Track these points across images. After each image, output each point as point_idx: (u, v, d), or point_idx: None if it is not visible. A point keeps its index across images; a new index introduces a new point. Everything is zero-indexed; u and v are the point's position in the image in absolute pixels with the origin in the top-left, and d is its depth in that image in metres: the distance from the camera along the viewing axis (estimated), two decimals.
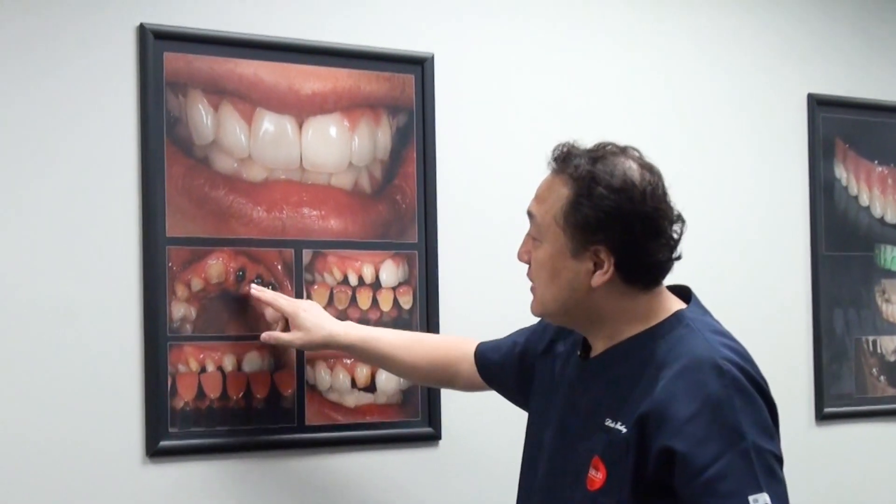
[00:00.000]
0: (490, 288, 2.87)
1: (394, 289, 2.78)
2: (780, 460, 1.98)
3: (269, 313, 2.63)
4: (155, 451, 2.52)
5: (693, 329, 2.06)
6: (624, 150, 2.10)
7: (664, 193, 2.08)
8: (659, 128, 3.16)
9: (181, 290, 2.56)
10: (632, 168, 2.05)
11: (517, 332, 2.46)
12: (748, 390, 1.97)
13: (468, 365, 2.53)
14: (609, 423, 2.04)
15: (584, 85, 3.07)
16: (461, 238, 2.86)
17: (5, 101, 2.43)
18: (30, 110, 2.45)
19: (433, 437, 2.81)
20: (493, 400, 2.79)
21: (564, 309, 2.11)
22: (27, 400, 2.42)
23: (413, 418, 2.79)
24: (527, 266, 2.16)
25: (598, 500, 2.02)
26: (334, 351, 2.64)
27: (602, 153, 2.08)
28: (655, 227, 2.05)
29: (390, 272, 2.77)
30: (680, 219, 2.11)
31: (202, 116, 2.60)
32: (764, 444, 1.94)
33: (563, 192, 2.06)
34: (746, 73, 3.33)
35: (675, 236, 2.09)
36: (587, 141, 2.14)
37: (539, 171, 2.28)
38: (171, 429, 2.54)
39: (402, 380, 2.76)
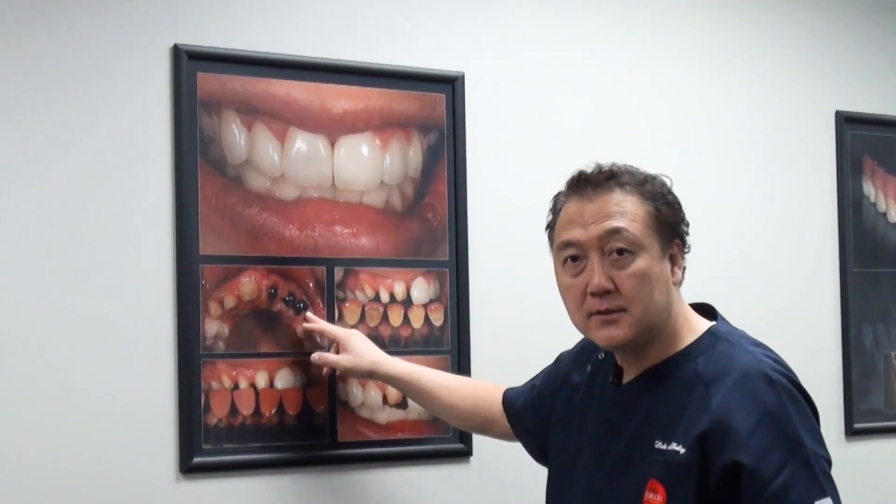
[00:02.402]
0: (521, 304, 2.82)
1: (425, 306, 2.73)
2: (830, 464, 1.96)
3: (300, 330, 2.59)
4: (189, 467, 2.47)
5: (734, 343, 2.03)
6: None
7: None
8: (688, 146, 3.11)
9: (214, 308, 2.52)
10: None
11: (536, 375, 2.43)
12: (798, 398, 1.96)
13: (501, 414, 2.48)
14: (660, 445, 1.99)
15: (613, 103, 3.02)
16: (492, 255, 2.81)
17: (40, 121, 2.40)
18: (65, 130, 2.42)
19: (464, 454, 2.76)
20: None
21: (664, 317, 2.02)
22: (63, 417, 2.38)
23: (444, 434, 2.73)
24: (590, 294, 2.01)
25: None
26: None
27: (632, 169, 2.07)
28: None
29: (422, 289, 2.72)
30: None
31: (235, 136, 2.56)
32: (819, 449, 1.94)
33: (637, 204, 2.01)
34: (775, 92, 3.28)
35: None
36: (618, 158, 2.11)
37: None
38: (204, 445, 2.49)
39: None
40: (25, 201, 2.38)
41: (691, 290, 2.14)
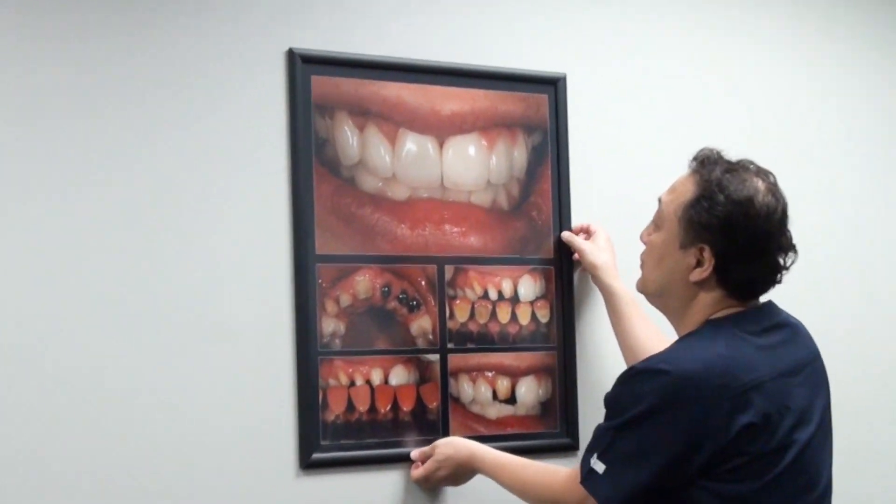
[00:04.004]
0: None
1: (532, 303, 2.71)
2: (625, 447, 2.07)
3: (414, 328, 2.58)
4: (308, 463, 2.46)
5: (685, 340, 2.15)
6: (759, 171, 2.16)
7: (780, 222, 2.14)
8: (793, 142, 3.09)
9: (330, 306, 2.51)
10: (758, 188, 2.12)
11: None
12: (634, 380, 2.09)
13: None
14: None
15: (716, 102, 2.98)
16: None
17: (160, 123, 2.40)
18: (189, 134, 2.42)
19: (571, 448, 2.73)
20: None
21: (661, 292, 2.22)
22: (187, 415, 2.38)
23: (551, 429, 2.71)
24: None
25: None
26: None
27: (737, 167, 2.16)
28: (760, 246, 2.12)
29: (528, 287, 2.71)
30: (793, 249, 2.16)
31: (348, 137, 2.55)
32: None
33: (691, 189, 2.15)
34: (848, 86, 3.24)
35: (782, 263, 2.15)
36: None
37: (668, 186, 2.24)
38: (322, 441, 2.48)
39: (541, 391, 2.69)
40: (145, 203, 2.38)
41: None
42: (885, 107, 3.26)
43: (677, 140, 2.88)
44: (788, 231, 2.16)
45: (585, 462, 2.11)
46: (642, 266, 2.27)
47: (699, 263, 2.13)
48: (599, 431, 2.12)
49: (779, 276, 2.16)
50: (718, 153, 2.19)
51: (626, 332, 2.61)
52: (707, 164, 2.17)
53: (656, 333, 2.55)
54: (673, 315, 2.23)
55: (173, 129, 2.41)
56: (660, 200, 2.23)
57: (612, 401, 2.13)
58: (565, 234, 2.72)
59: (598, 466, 2.07)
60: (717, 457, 2.01)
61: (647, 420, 2.03)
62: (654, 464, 2.03)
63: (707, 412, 2.00)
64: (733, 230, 2.10)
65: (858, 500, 2.89)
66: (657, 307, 2.29)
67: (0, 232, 2.26)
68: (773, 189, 2.14)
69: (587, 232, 2.74)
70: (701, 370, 2.02)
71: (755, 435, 2.01)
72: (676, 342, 2.18)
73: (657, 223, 2.22)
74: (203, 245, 2.42)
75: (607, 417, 2.12)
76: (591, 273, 2.69)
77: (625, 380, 2.12)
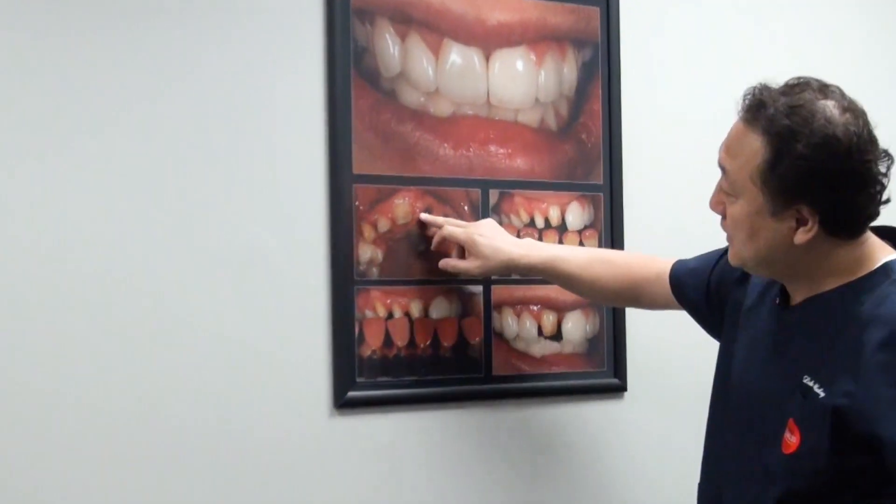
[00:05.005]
0: (676, 232, 2.57)
1: (580, 232, 2.48)
2: None
3: (455, 257, 2.34)
4: (343, 402, 2.24)
5: None
6: (823, 91, 1.78)
7: (870, 137, 1.77)
8: (860, 66, 2.84)
9: (368, 231, 2.28)
10: (833, 117, 1.74)
11: (713, 252, 2.15)
12: None
13: (654, 286, 2.24)
14: (807, 381, 1.78)
15: (776, 19, 2.75)
16: (647, 179, 2.56)
17: (193, 37, 2.16)
18: (218, 44, 2.18)
19: (619, 389, 2.52)
20: (680, 351, 2.54)
21: (765, 264, 1.87)
22: (214, 349, 2.16)
23: (599, 369, 2.50)
24: (720, 216, 1.90)
25: (792, 465, 1.78)
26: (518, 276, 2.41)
27: (799, 101, 1.76)
28: (863, 179, 1.76)
29: (576, 214, 2.48)
30: (886, 156, 1.80)
31: (389, 46, 2.30)
32: None
33: (758, 147, 1.77)
34: None
35: (884, 179, 1.79)
36: (778, 76, 1.83)
37: (728, 110, 1.99)
38: (358, 378, 2.26)
39: (588, 328, 2.48)
40: (172, 117, 2.14)
41: None
42: None
43: (737, 57, 2.66)
44: (875, 139, 1.79)
45: None
46: (730, 239, 1.90)
47: (801, 223, 1.78)
48: None
49: (884, 195, 1.81)
50: (765, 89, 1.81)
51: (591, 283, 2.30)
52: (762, 109, 1.78)
53: (608, 259, 2.33)
54: (788, 277, 1.90)
55: (202, 37, 2.17)
56: (722, 167, 1.85)
57: None
58: (441, 264, 2.32)
59: None
60: None
61: None
62: None
63: None
64: (828, 176, 1.75)
65: None
66: (763, 275, 1.95)
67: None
68: (845, 103, 1.78)
69: (447, 237, 2.33)
70: None
71: None
72: None
73: (729, 192, 1.84)
74: (232, 162, 2.18)
75: None
76: (507, 272, 2.34)
77: None
